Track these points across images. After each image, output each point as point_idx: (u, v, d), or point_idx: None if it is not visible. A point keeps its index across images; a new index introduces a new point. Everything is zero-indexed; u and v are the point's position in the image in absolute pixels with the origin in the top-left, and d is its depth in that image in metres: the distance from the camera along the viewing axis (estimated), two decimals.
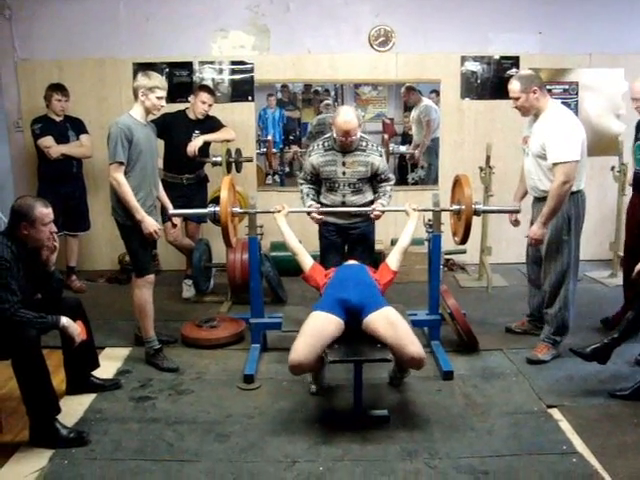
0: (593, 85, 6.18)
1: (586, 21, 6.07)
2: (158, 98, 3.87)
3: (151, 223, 3.87)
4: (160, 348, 4.06)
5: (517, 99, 3.88)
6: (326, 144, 4.18)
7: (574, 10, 6.07)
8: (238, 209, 4.09)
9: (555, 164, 3.72)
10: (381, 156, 4.20)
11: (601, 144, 5.81)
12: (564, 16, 6.07)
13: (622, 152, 5.60)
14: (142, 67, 5.88)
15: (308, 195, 4.25)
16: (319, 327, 3.22)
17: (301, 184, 4.31)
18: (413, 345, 3.12)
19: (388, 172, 4.29)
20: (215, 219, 4.10)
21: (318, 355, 3.16)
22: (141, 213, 3.83)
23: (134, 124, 3.84)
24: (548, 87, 6.03)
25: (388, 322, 3.23)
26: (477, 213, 3.98)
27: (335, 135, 4.04)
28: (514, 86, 3.87)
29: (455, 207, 4.09)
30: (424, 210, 4.10)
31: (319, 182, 4.28)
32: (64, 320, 3.18)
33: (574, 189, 3.81)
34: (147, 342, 4.05)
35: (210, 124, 5.29)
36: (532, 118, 3.98)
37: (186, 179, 5.27)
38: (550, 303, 4.03)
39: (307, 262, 3.73)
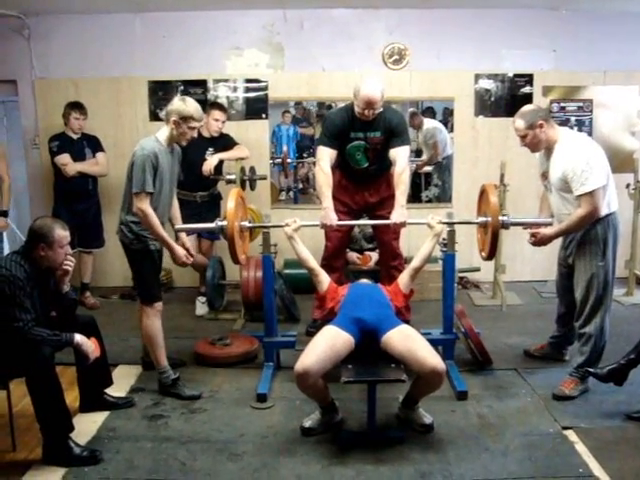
0: (608, 102, 6.17)
1: (600, 38, 6.06)
2: (190, 128, 3.66)
3: (181, 252, 3.79)
4: (177, 377, 3.88)
5: (524, 137, 3.71)
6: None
7: (588, 27, 6.06)
8: (247, 224, 3.98)
9: (581, 195, 3.54)
10: None
11: (616, 161, 5.69)
12: (578, 33, 6.07)
13: (637, 169, 5.57)
14: (157, 85, 6.00)
15: None
16: (329, 340, 3.23)
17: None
18: (433, 357, 3.14)
19: None
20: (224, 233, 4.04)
21: (325, 367, 3.15)
22: (170, 242, 3.74)
23: (160, 150, 3.63)
24: (562, 104, 6.11)
25: (406, 337, 3.25)
26: (505, 226, 3.75)
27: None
28: (518, 124, 3.69)
29: (481, 219, 3.90)
30: (448, 223, 3.94)
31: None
32: (78, 337, 3.19)
33: (606, 212, 3.64)
34: (161, 373, 3.87)
35: (224, 142, 5.31)
36: (545, 152, 3.80)
37: (199, 197, 5.28)
38: (584, 323, 3.79)
39: (324, 282, 3.71)
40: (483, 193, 3.96)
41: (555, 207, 3.86)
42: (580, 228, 3.66)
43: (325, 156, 4.29)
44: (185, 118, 3.62)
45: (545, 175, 3.84)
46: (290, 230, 3.79)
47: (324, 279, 3.72)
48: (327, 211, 4.14)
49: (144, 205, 3.56)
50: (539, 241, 3.81)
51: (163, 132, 3.72)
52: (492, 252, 3.83)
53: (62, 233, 3.22)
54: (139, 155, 3.57)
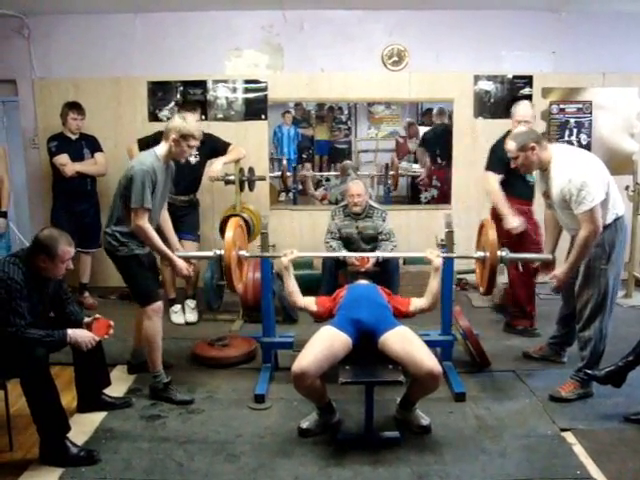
0: (607, 104, 6.17)
1: (599, 40, 6.07)
2: (189, 147, 3.65)
3: (182, 264, 3.78)
4: (170, 381, 3.84)
5: (516, 158, 3.71)
6: (345, 210, 5.18)
7: (587, 29, 6.07)
8: (245, 253, 3.89)
9: (580, 214, 3.51)
10: (384, 220, 5.13)
11: (615, 163, 5.73)
12: (577, 35, 6.07)
13: (637, 171, 5.57)
14: (157, 85, 6.01)
15: (339, 247, 5.09)
16: (327, 340, 3.23)
17: (328, 242, 5.12)
18: (430, 360, 3.13)
19: (391, 235, 5.10)
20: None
21: (323, 368, 3.15)
22: (170, 255, 3.72)
23: (157, 167, 3.62)
24: (562, 106, 6.10)
25: (403, 339, 3.25)
26: (504, 262, 3.70)
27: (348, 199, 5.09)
28: (510, 146, 3.71)
29: (480, 254, 3.82)
30: (447, 257, 3.90)
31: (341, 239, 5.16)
32: (70, 332, 3.18)
33: (612, 218, 3.62)
34: (155, 376, 3.81)
35: (209, 143, 5.16)
36: (542, 173, 3.77)
37: (179, 201, 5.17)
38: (584, 327, 3.78)
39: (312, 305, 3.66)
40: (482, 228, 3.90)
41: (563, 223, 3.85)
42: (589, 249, 3.59)
43: (497, 180, 4.73)
44: (185, 136, 3.61)
45: (547, 194, 3.81)
46: (286, 260, 3.69)
47: (311, 303, 3.67)
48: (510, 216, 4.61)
49: (142, 221, 3.55)
50: (559, 284, 3.79)
51: (162, 148, 3.69)
52: (490, 288, 3.76)
53: (66, 249, 3.19)
54: (138, 170, 3.54)
